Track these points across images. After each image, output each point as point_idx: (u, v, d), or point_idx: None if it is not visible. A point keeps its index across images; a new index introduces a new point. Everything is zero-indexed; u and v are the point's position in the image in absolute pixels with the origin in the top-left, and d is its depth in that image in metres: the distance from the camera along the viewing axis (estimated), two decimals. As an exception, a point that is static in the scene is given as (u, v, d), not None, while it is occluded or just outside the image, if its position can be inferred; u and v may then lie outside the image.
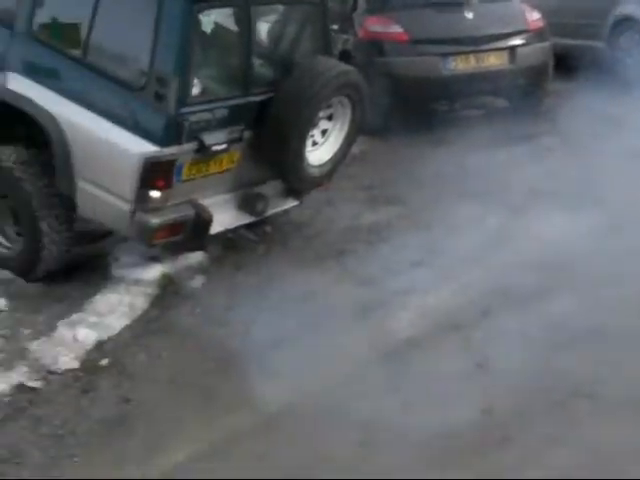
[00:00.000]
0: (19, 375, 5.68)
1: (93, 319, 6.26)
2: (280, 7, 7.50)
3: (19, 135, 6.77)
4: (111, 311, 6.39)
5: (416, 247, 7.27)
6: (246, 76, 6.70)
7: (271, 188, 7.16)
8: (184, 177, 6.37)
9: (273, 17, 7.57)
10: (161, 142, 6.15)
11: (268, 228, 7.73)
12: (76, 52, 6.45)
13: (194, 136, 6.26)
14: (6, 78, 6.63)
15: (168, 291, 6.73)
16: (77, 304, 6.47)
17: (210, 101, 6.50)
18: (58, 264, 6.74)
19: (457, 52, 10.42)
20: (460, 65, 10.47)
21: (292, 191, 7.32)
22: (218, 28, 6.96)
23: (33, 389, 5.62)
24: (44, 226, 6.52)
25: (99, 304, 6.44)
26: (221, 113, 6.47)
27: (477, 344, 5.97)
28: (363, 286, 6.78)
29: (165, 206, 6.33)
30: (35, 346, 5.94)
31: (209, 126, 6.38)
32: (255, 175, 7.01)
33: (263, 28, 7.50)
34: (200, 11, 6.34)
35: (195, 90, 6.37)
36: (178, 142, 6.19)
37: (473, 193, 8.24)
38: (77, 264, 6.94)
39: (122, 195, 6.24)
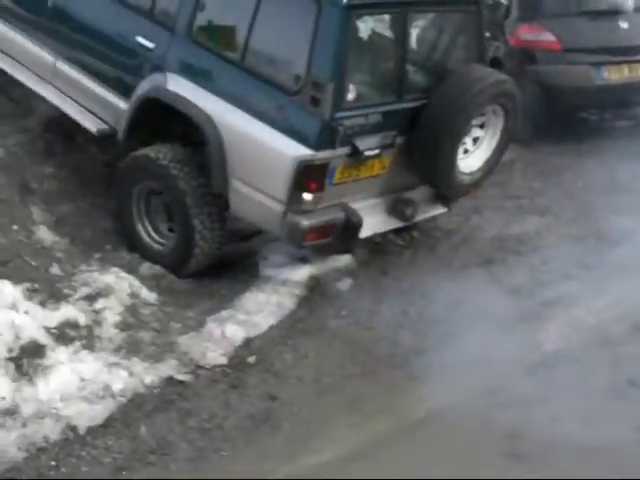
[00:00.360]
0: (169, 368, 5.79)
1: (241, 316, 6.34)
2: (436, 14, 7.46)
3: (175, 134, 6.91)
4: (259, 309, 6.46)
5: (566, 259, 7.16)
6: (400, 82, 6.69)
7: (420, 194, 7.14)
8: (336, 181, 6.41)
9: (428, 24, 7.53)
10: (315, 146, 6.19)
11: (416, 234, 7.70)
12: (234, 55, 6.50)
13: (348, 141, 6.29)
14: (166, 79, 6.74)
15: (315, 292, 6.76)
16: (226, 301, 6.56)
17: (364, 106, 6.50)
18: (209, 261, 6.85)
19: (610, 62, 10.22)
20: (613, 75, 10.26)
21: (441, 198, 7.28)
22: (374, 34, 6.98)
23: (182, 382, 5.72)
24: (197, 224, 6.64)
25: (248, 302, 6.52)
26: (375, 118, 6.48)
27: (628, 360, 5.84)
28: (511, 296, 6.71)
29: (316, 208, 6.37)
30: (184, 340, 6.04)
31: (362, 131, 6.40)
32: (405, 181, 7.00)
33: (418, 35, 7.47)
34: (358, 17, 6.36)
35: (350, 95, 6.39)
36: (332, 146, 6.23)
37: (624, 205, 8.08)
38: (227, 262, 7.03)
39: (275, 196, 6.32)
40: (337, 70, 6.14)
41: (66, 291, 6.22)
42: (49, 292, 6.15)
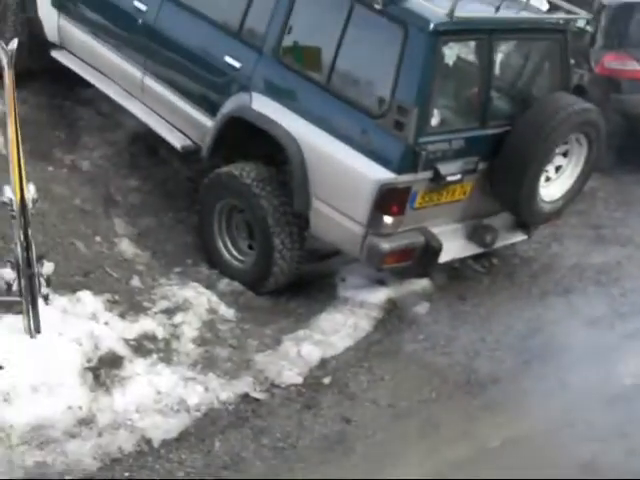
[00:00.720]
0: (244, 385, 5.81)
1: (318, 337, 6.35)
2: (521, 41, 7.39)
3: (257, 153, 6.96)
4: (335, 330, 6.46)
5: (647, 291, 7.06)
6: (484, 108, 6.68)
7: (500, 221, 7.10)
8: (417, 205, 6.40)
9: (513, 50, 7.49)
10: (398, 169, 6.19)
11: (495, 260, 7.65)
12: (320, 77, 6.55)
13: (430, 165, 6.28)
14: (251, 98, 6.82)
15: (392, 315, 6.74)
16: (303, 320, 6.59)
17: (448, 132, 6.50)
18: (287, 280, 6.89)
19: (696, 92, 10.07)
20: (698, 106, 10.11)
21: (521, 225, 7.23)
22: (459, 60, 6.95)
23: (257, 400, 5.73)
24: (277, 242, 6.69)
25: (324, 322, 6.53)
26: (457, 144, 6.47)
27: None
28: (590, 327, 6.62)
29: (396, 232, 6.37)
30: (261, 358, 6.06)
31: (445, 156, 6.39)
32: (485, 207, 6.97)
33: (503, 61, 7.42)
34: (444, 43, 6.35)
35: (434, 120, 6.39)
36: (414, 170, 6.22)
37: None
38: (305, 281, 7.06)
39: (356, 218, 6.33)
40: (422, 95, 6.16)
41: (146, 304, 6.29)
42: (129, 304, 6.22)
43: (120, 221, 7.23)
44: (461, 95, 6.99)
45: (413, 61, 6.15)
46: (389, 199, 6.22)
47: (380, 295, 6.82)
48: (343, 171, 6.36)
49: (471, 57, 6.89)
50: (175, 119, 7.43)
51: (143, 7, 7.56)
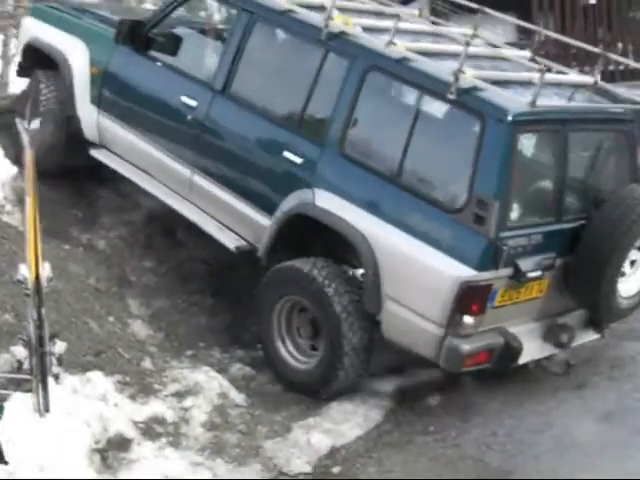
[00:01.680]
0: (252, 472, 5.78)
1: (328, 425, 6.30)
2: (594, 132, 7.03)
3: (316, 251, 6.72)
4: (346, 419, 6.41)
5: None
6: (559, 201, 6.48)
7: (574, 319, 6.84)
8: (497, 303, 6.14)
9: (586, 141, 7.11)
10: (478, 266, 5.96)
11: (573, 361, 7.24)
12: (388, 171, 6.37)
13: (511, 261, 6.05)
14: (314, 195, 6.60)
15: (404, 406, 6.68)
16: (314, 408, 6.53)
17: (527, 226, 6.28)
18: (351, 384, 6.59)
19: None
20: None
21: (593, 323, 6.95)
22: (535, 152, 6.69)
23: (264, 488, 5.70)
24: (346, 345, 6.39)
25: (335, 411, 6.47)
26: (536, 239, 6.25)
27: None
28: (603, 423, 6.53)
29: (476, 332, 6.12)
30: (270, 445, 6.03)
31: (524, 252, 6.16)
32: (560, 304, 6.70)
33: (576, 152, 6.97)
34: (522, 133, 6.15)
35: (514, 214, 6.17)
36: (495, 267, 5.98)
37: None
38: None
39: (433, 318, 6.06)
40: (503, 187, 6.02)
41: (156, 386, 6.28)
42: (140, 386, 6.23)
43: (134, 302, 7.25)
44: (537, 187, 6.69)
45: (492, 152, 6.01)
46: (470, 297, 5.99)
47: (392, 384, 6.78)
48: (419, 269, 6.13)
49: (546, 148, 6.67)
50: (226, 218, 7.18)
51: (193, 103, 7.36)
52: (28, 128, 5.51)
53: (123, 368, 6.36)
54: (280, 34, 7.35)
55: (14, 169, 7.88)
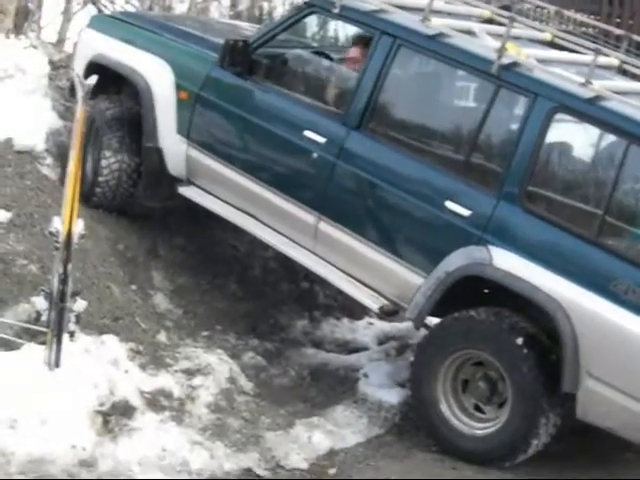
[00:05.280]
0: (250, 460, 5.74)
1: (330, 427, 6.25)
2: None
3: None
4: (349, 424, 6.36)
5: None
6: None
7: None
8: None
9: None
10: None
11: None
12: (584, 230, 5.68)
13: None
14: (490, 253, 5.85)
15: (408, 420, 6.61)
16: (319, 408, 6.51)
17: None
18: (545, 442, 5.85)
19: None
20: None
21: None
22: None
23: (259, 477, 5.66)
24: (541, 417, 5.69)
25: (339, 414, 6.43)
26: None
27: None
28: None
29: None
30: (271, 437, 5.99)
31: None
32: None
33: None
34: None
35: None
36: None
37: None
38: (328, 371, 7.03)
39: None
40: None
41: (168, 360, 6.30)
42: (151, 357, 6.24)
43: (158, 274, 7.26)
44: None
45: None
46: None
47: (399, 397, 6.71)
48: (625, 340, 5.47)
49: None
50: (357, 271, 6.42)
51: (320, 139, 6.47)
52: (83, 82, 5.54)
53: (138, 337, 6.38)
54: (431, 62, 6.54)
55: (60, 123, 7.88)
